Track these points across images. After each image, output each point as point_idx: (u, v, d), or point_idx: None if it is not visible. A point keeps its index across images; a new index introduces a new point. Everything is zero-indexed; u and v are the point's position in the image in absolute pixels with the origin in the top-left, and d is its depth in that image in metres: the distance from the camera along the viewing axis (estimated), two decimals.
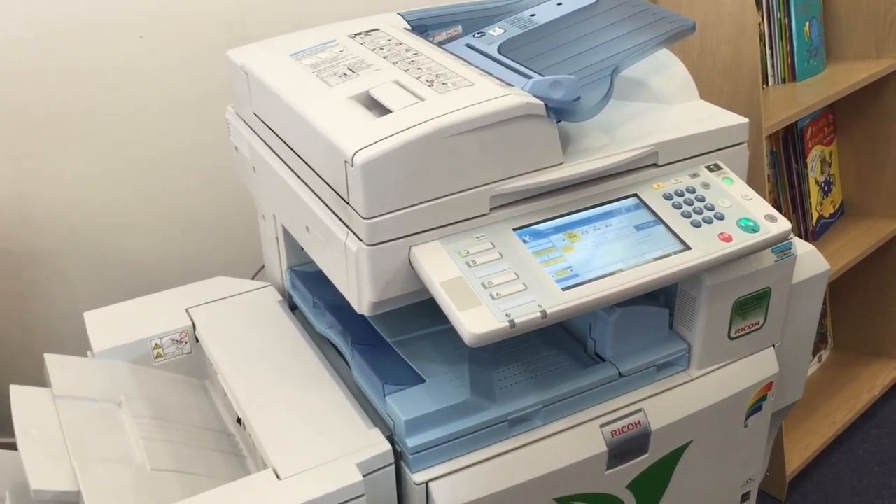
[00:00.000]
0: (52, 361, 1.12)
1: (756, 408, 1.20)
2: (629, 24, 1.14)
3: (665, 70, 1.17)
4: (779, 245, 1.09)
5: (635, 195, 1.04)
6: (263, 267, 1.37)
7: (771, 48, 1.72)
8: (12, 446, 1.06)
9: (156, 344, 1.19)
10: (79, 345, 1.21)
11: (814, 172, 1.90)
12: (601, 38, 1.12)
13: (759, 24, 1.65)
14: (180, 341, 1.21)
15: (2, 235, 1.67)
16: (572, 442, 1.06)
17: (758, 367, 1.18)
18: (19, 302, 1.73)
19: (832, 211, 1.97)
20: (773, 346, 1.20)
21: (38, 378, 1.14)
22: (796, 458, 1.83)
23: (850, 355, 2.12)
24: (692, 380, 1.14)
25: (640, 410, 1.10)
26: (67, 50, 1.55)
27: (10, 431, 1.65)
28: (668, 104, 1.13)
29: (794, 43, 1.73)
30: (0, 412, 1.75)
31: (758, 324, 1.16)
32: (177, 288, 1.28)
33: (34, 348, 1.69)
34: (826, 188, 1.95)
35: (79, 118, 1.61)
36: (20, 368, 1.54)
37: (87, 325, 1.20)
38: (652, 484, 1.15)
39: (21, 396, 1.06)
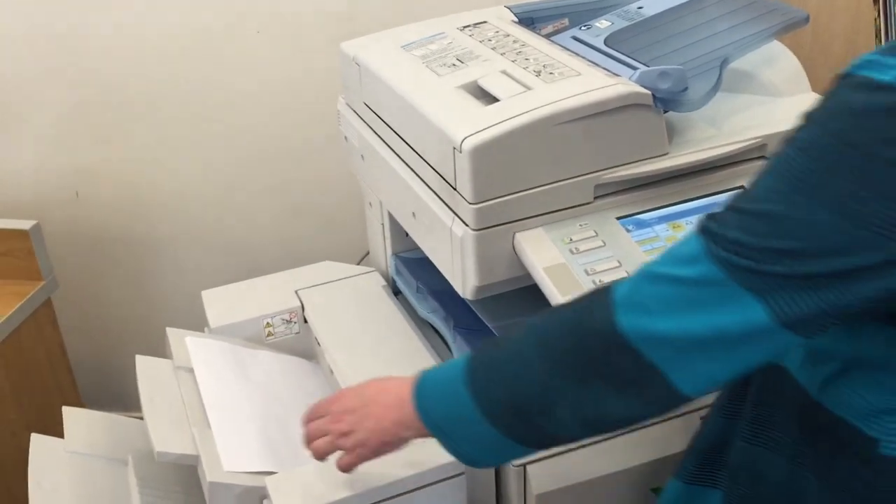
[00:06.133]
0: (174, 335, 1.18)
1: None
2: (739, 15, 1.13)
3: (776, 62, 1.15)
4: None
5: (742, 187, 1.03)
6: (368, 253, 1.41)
7: None
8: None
9: (267, 323, 1.25)
10: (193, 324, 1.27)
11: None
12: (710, 30, 1.12)
13: (875, 20, 1.60)
14: (290, 321, 1.26)
15: (123, 223, 1.78)
16: (670, 432, 1.06)
17: None
18: (140, 284, 1.84)
19: None
20: None
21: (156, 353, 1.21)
22: None
23: None
24: None
25: None
26: (187, 46, 1.63)
27: (126, 404, 1.75)
28: (778, 97, 1.12)
29: None
30: (119, 386, 1.87)
31: None
32: (287, 271, 1.34)
33: (154, 325, 1.79)
34: None
35: (196, 113, 1.69)
36: (141, 343, 1.63)
37: (204, 303, 1.27)
38: None
39: (146, 366, 1.13)
